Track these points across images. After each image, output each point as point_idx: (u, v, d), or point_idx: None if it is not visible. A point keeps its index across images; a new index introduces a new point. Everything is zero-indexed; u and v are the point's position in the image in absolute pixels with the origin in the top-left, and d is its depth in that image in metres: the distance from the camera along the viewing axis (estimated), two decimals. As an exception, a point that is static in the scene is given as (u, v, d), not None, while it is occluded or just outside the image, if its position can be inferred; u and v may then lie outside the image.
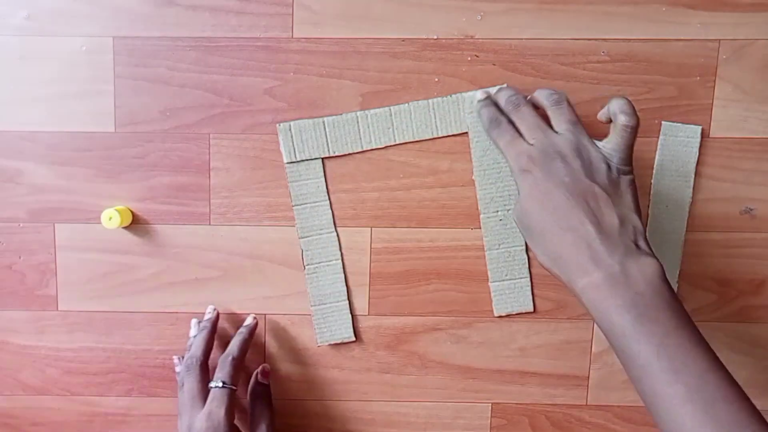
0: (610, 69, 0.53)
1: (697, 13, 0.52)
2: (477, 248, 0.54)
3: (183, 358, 0.54)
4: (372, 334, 0.56)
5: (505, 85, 0.52)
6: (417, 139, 0.54)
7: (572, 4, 0.52)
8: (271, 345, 0.57)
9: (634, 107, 0.46)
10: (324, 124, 0.54)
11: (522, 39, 0.53)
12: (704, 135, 0.53)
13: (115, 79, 0.53)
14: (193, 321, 0.55)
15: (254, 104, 0.54)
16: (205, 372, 0.51)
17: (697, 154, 0.53)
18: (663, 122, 0.53)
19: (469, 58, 0.53)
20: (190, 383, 0.50)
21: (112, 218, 0.52)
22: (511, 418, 0.57)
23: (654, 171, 0.54)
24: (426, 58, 0.53)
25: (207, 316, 0.55)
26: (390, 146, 0.54)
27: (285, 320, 0.56)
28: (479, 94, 0.52)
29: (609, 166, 0.44)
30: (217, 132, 0.54)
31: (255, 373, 0.55)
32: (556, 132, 0.46)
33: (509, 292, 0.55)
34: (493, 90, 0.52)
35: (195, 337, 0.53)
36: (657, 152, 0.54)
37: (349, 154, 0.54)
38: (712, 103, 0.53)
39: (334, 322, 0.56)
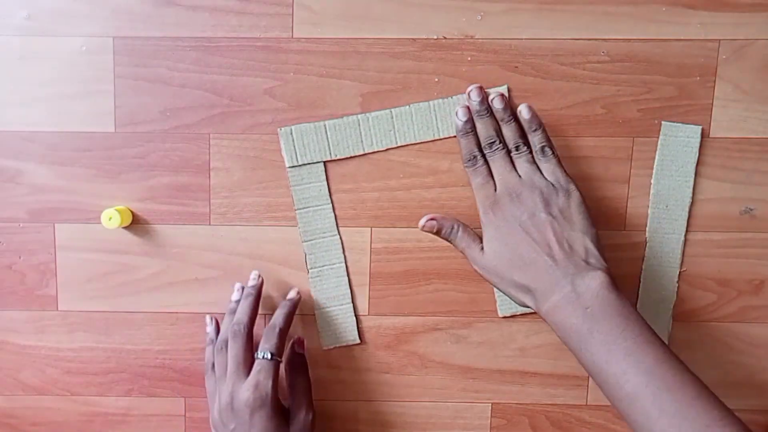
0: (610, 69, 0.53)
1: (697, 13, 0.52)
2: (477, 248, 0.54)
3: (214, 319, 0.55)
4: (372, 334, 0.56)
5: (502, 89, 0.52)
6: (418, 141, 0.54)
7: (572, 4, 0.52)
8: (271, 345, 0.57)
9: (534, 118, 0.50)
10: (325, 128, 0.53)
11: (522, 39, 0.53)
12: (704, 135, 0.53)
13: (115, 79, 0.53)
14: (237, 285, 0.55)
15: (254, 104, 0.54)
16: (251, 340, 0.51)
17: (697, 154, 0.53)
18: (663, 122, 0.53)
19: (469, 58, 0.53)
20: (236, 349, 0.50)
21: (112, 218, 0.52)
22: (511, 418, 0.57)
23: (654, 171, 0.54)
24: (426, 58, 0.53)
25: (251, 282, 0.54)
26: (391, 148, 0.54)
27: (285, 320, 0.56)
28: (461, 114, 0.52)
29: (558, 193, 0.49)
30: (217, 132, 0.54)
31: (291, 343, 0.54)
32: (519, 175, 0.50)
33: (510, 293, 0.55)
34: (474, 98, 0.51)
35: (239, 302, 0.53)
36: (657, 152, 0.54)
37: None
38: (712, 103, 0.53)
39: (338, 326, 0.56)
